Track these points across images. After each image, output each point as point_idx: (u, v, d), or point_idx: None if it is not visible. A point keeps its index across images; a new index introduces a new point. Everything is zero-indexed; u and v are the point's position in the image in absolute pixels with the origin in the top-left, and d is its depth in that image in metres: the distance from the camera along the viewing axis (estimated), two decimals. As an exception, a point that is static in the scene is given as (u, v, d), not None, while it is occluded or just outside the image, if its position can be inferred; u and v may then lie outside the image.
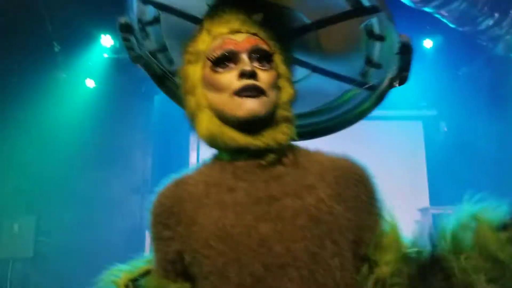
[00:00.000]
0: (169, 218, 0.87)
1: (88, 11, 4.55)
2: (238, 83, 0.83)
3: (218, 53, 0.86)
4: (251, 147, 0.83)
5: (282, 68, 0.90)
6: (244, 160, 0.85)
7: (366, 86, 0.99)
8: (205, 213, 0.82)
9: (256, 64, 0.85)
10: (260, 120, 0.83)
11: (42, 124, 4.94)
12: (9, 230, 4.83)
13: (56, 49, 4.91)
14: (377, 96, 1.00)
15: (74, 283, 4.14)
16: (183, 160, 5.93)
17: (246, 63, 0.84)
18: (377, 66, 0.96)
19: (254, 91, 0.82)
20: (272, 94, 0.85)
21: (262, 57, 0.86)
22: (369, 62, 0.96)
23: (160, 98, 5.58)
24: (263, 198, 0.81)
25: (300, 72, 1.01)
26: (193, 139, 5.98)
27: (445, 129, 5.96)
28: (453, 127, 5.79)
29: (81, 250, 4.67)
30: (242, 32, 0.87)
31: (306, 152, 0.92)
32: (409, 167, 5.44)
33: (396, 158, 5.30)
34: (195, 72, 0.89)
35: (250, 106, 0.81)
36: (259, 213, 0.79)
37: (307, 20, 0.93)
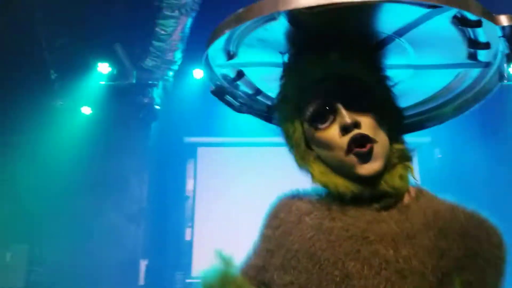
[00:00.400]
0: (273, 220, 0.92)
1: (84, 38, 4.62)
2: (345, 140, 0.80)
3: (311, 110, 0.83)
4: (367, 194, 0.82)
5: (381, 96, 0.85)
6: (356, 201, 0.84)
7: (479, 65, 0.92)
8: (301, 228, 0.86)
9: (354, 107, 0.81)
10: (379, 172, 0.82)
11: (37, 151, 4.92)
12: (0, 259, 4.75)
13: (53, 76, 4.95)
14: (497, 72, 0.91)
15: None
16: (180, 187, 5.90)
17: (344, 115, 0.80)
18: (485, 46, 0.86)
19: (362, 140, 0.79)
20: (380, 135, 0.82)
21: (357, 97, 0.82)
22: (473, 44, 0.87)
23: (157, 125, 5.60)
24: (357, 237, 0.80)
25: (405, 71, 0.94)
26: (190, 167, 5.97)
27: (439, 156, 6.00)
28: (447, 154, 5.83)
29: (75, 281, 4.58)
30: (328, 78, 0.84)
31: (427, 197, 0.87)
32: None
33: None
34: (294, 129, 0.88)
35: (369, 168, 0.80)
36: (349, 249, 0.79)
37: (387, 32, 0.85)
